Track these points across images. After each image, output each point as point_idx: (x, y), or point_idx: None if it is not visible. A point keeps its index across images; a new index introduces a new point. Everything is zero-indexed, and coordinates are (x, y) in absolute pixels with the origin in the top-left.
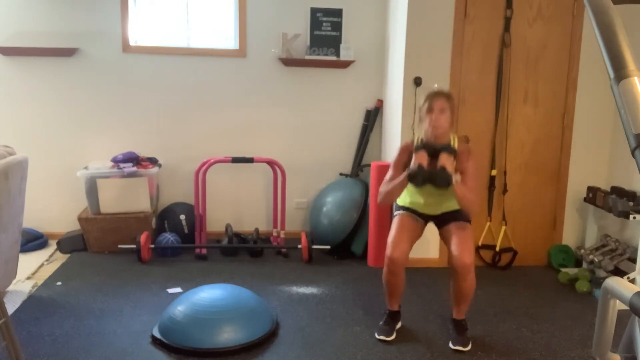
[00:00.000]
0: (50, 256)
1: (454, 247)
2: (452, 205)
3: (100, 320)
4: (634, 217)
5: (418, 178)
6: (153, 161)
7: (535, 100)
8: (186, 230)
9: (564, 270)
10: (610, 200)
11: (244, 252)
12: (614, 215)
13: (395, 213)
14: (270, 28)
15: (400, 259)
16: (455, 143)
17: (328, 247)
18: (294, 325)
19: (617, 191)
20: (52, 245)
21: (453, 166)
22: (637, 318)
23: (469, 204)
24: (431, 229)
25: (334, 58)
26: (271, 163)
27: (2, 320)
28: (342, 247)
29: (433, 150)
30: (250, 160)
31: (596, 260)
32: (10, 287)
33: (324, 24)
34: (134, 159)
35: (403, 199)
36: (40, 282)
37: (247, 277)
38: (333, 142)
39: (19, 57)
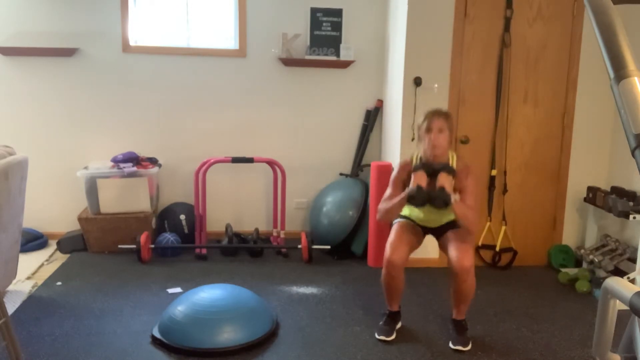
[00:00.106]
0: (50, 256)
1: (453, 251)
2: (451, 216)
3: (100, 320)
4: (634, 217)
5: (417, 199)
6: (153, 161)
7: (535, 100)
8: (186, 230)
9: (564, 270)
10: (610, 200)
11: (244, 252)
12: (614, 215)
13: (395, 221)
14: (270, 28)
15: (399, 262)
16: (453, 162)
17: (328, 247)
18: (294, 325)
19: (617, 191)
20: (52, 245)
21: (452, 186)
22: (637, 318)
23: (469, 223)
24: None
25: (334, 58)
26: (271, 163)
27: (2, 320)
28: (342, 247)
29: (432, 170)
30: (250, 160)
31: (596, 260)
32: (10, 287)
33: (324, 24)
34: (134, 159)
35: (403, 211)
36: (40, 282)
37: (247, 277)
38: (333, 142)
39: (19, 57)
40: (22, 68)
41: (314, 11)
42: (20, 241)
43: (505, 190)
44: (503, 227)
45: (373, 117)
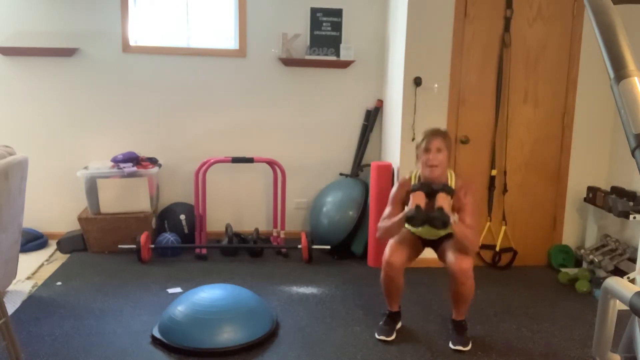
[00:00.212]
0: (50, 256)
1: (451, 254)
2: (450, 230)
3: (100, 320)
4: (634, 217)
5: (416, 220)
6: (153, 161)
7: (535, 101)
8: (186, 230)
9: (564, 270)
10: (610, 200)
11: (244, 252)
12: (614, 215)
13: None
14: (270, 28)
15: (398, 263)
16: (452, 181)
17: (328, 247)
18: (294, 325)
19: (617, 191)
20: (52, 245)
21: (450, 205)
22: (637, 318)
23: (468, 243)
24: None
25: (334, 58)
26: (271, 163)
27: (2, 320)
28: (342, 247)
29: (430, 190)
30: (250, 160)
31: (596, 260)
32: (10, 287)
33: (324, 24)
34: (134, 159)
35: None
36: (40, 282)
37: (247, 277)
38: (333, 142)
39: (19, 57)
40: (22, 68)
41: (314, 11)
42: (20, 241)
43: (505, 190)
44: (503, 227)
45: (373, 117)
